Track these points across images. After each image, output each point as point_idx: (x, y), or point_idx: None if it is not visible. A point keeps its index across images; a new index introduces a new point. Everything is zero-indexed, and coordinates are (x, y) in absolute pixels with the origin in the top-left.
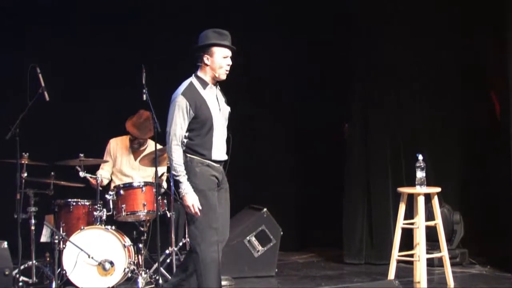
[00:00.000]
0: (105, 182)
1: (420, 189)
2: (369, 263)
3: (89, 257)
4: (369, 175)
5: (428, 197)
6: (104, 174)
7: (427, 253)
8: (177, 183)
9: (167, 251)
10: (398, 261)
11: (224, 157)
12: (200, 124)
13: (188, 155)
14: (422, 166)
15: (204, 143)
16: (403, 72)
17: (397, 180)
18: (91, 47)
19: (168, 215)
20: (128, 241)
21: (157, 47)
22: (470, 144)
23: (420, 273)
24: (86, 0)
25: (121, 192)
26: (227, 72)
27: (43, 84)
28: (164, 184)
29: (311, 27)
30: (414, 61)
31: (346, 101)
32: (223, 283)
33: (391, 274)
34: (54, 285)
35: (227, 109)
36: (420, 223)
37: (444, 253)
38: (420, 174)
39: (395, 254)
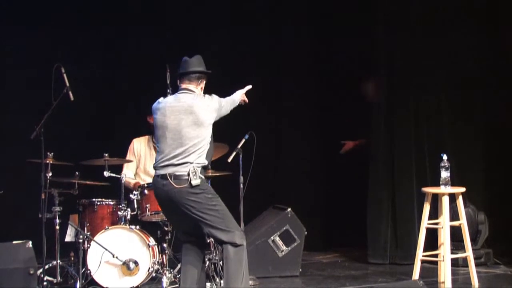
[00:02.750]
0: (132, 182)
1: (445, 189)
2: (393, 263)
3: (113, 256)
4: (394, 175)
5: (452, 197)
6: (128, 173)
7: (452, 253)
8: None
9: None
10: (423, 261)
11: None
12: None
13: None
14: (447, 166)
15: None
16: (427, 72)
17: (422, 180)
18: (113, 47)
19: None
20: (152, 241)
21: (182, 48)
22: (494, 143)
23: (445, 273)
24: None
25: (146, 191)
26: None
27: (67, 84)
28: None
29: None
30: (437, 62)
31: (370, 103)
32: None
33: (416, 274)
34: (78, 284)
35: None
36: (444, 223)
37: (468, 253)
38: (444, 174)
39: (420, 254)
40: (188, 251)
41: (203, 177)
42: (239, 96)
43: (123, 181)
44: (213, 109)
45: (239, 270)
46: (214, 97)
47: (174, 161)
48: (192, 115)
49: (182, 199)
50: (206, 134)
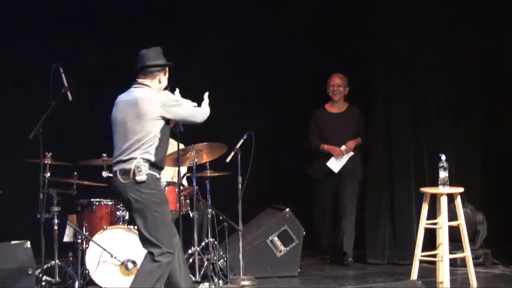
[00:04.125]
0: None
1: (443, 189)
2: (392, 263)
3: (112, 256)
4: (392, 175)
5: (451, 197)
6: None
7: (450, 253)
8: None
9: (189, 251)
10: (421, 261)
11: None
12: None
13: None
14: (445, 166)
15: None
16: (426, 73)
17: (420, 180)
18: (111, 48)
19: (191, 215)
20: None
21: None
22: (493, 143)
23: (443, 273)
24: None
25: None
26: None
27: (66, 84)
28: (184, 182)
29: (334, 32)
30: (437, 62)
31: (369, 102)
32: (246, 282)
33: (414, 274)
34: (77, 284)
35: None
36: (443, 223)
37: (467, 253)
38: (443, 174)
39: (418, 254)
40: None
41: (155, 175)
42: (206, 105)
43: None
44: (158, 103)
45: (145, 285)
46: (168, 94)
47: (122, 157)
48: (135, 108)
49: (127, 194)
50: (151, 129)
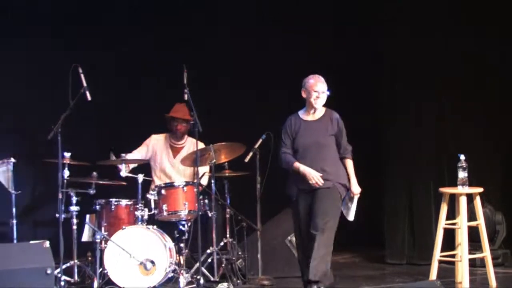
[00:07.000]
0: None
1: (462, 189)
2: (411, 264)
3: (130, 256)
4: (411, 176)
5: (470, 198)
6: (134, 155)
7: (469, 253)
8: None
9: (208, 251)
10: (440, 262)
11: None
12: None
13: None
14: (464, 166)
15: None
16: (445, 74)
17: (439, 180)
18: (132, 48)
19: (209, 215)
20: (169, 241)
21: (199, 49)
22: None
23: (462, 274)
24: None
25: (163, 191)
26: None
27: (85, 84)
28: (205, 181)
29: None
30: (456, 61)
31: (388, 103)
32: (265, 282)
33: (433, 275)
34: (95, 284)
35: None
36: (462, 224)
37: (486, 253)
38: (462, 174)
39: (437, 254)
40: None
41: None
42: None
43: (140, 181)
44: None
45: None
46: None
47: None
48: None
49: None
50: None
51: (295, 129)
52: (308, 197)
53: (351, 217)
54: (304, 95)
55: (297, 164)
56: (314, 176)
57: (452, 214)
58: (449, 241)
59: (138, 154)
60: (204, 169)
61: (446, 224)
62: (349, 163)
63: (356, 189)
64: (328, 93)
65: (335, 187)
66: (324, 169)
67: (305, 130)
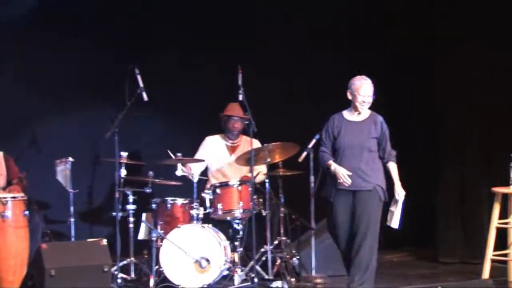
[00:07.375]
0: (196, 178)
1: None
2: (463, 262)
3: (186, 254)
4: (464, 175)
5: None
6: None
7: None
8: None
9: (262, 249)
10: (493, 261)
11: None
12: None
13: None
14: None
15: None
16: (493, 73)
17: (491, 179)
18: (184, 48)
19: (264, 214)
20: (224, 239)
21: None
22: None
23: None
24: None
25: (218, 190)
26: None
27: (141, 85)
28: (261, 177)
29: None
30: (508, 62)
31: (440, 103)
32: (318, 280)
33: (486, 274)
34: (151, 282)
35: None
36: None
37: None
38: None
39: (490, 253)
40: None
41: None
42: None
43: (195, 181)
44: None
45: None
46: None
47: None
48: None
49: None
50: None
51: (337, 129)
52: (348, 198)
53: (394, 224)
54: (349, 96)
55: (330, 162)
56: (342, 175)
57: (504, 213)
58: (502, 240)
59: (202, 165)
60: (258, 169)
61: (498, 223)
62: (393, 166)
63: (400, 191)
64: (373, 97)
65: (376, 189)
66: (364, 171)
67: (348, 130)
